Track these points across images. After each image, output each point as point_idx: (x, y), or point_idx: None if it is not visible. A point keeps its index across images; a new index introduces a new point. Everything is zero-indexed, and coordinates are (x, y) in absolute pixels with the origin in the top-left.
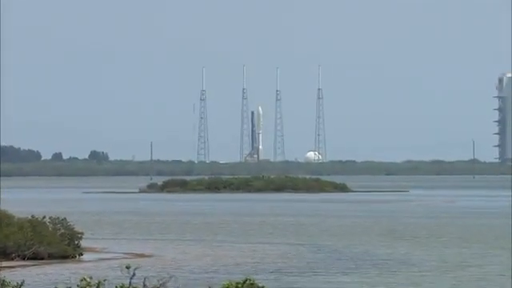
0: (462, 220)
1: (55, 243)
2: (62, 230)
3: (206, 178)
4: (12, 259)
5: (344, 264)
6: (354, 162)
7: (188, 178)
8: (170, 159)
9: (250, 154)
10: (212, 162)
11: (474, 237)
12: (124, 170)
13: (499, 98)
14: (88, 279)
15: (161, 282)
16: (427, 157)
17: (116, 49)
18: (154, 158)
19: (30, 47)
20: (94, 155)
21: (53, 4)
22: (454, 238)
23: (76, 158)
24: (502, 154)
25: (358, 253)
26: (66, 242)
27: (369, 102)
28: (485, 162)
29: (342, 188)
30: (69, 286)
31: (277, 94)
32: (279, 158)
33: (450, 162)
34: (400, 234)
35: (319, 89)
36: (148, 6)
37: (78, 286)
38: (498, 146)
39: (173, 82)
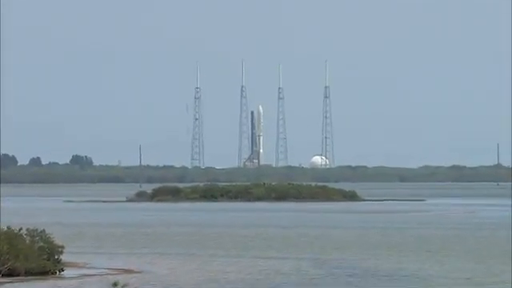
0: (482, 232)
1: (33, 258)
2: (41, 244)
3: (201, 185)
4: None
5: (349, 280)
6: (364, 167)
7: (181, 185)
8: (160, 164)
9: (250, 159)
10: (207, 167)
11: (493, 251)
12: (110, 176)
13: None
14: None
15: None
16: (446, 162)
17: (104, 46)
18: (143, 163)
19: (28, 47)
20: (77, 160)
21: (51, 4)
22: (472, 252)
23: (56, 163)
24: None
25: (365, 268)
26: (45, 257)
27: (381, 102)
28: (510, 168)
29: (352, 196)
30: None
31: (279, 92)
32: (282, 163)
33: (471, 168)
34: (413, 248)
35: (326, 86)
36: (144, 3)
37: None
38: None
39: (164, 79)
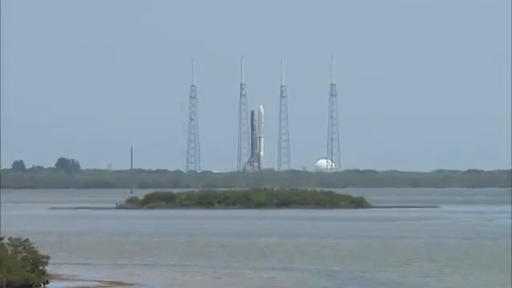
0: (499, 242)
1: (16, 269)
2: (24, 254)
3: (197, 190)
4: None
5: None
6: (373, 171)
7: (175, 190)
8: (153, 168)
9: (250, 162)
10: (204, 171)
11: (509, 262)
12: (98, 181)
13: None
14: None
15: None
16: (461, 166)
17: (93, 44)
18: (134, 167)
19: (21, 46)
20: (62, 163)
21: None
22: (487, 263)
23: (41, 167)
24: None
25: (372, 280)
26: (29, 268)
27: (392, 102)
28: None
29: (360, 203)
30: None
31: (281, 91)
32: (284, 167)
33: (488, 172)
34: (427, 258)
35: (332, 84)
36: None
37: None
38: None
39: (157, 77)
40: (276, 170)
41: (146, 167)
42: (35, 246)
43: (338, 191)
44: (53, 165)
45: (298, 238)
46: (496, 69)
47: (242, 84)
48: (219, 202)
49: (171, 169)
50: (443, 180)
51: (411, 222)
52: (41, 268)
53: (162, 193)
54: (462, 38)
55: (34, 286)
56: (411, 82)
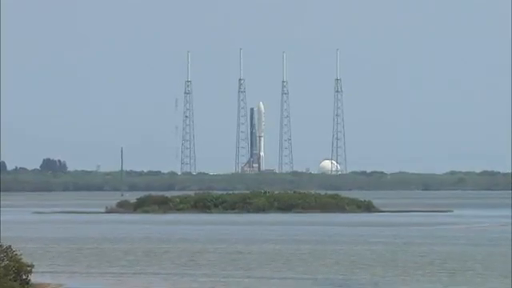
0: None
1: None
2: (7, 262)
3: (193, 194)
4: None
5: None
6: (381, 173)
7: (169, 194)
8: (145, 170)
9: (249, 164)
10: (200, 173)
11: None
12: (86, 183)
13: None
14: None
15: None
16: (476, 167)
17: (76, 35)
18: (125, 169)
19: None
20: (48, 165)
21: None
22: (501, 272)
23: (24, 169)
24: None
25: None
26: (12, 277)
27: (402, 99)
28: None
29: (367, 207)
30: None
31: (283, 86)
32: (286, 169)
33: (504, 174)
34: (434, 266)
35: (337, 79)
36: None
37: None
38: None
39: (149, 72)
40: (277, 171)
41: (137, 169)
42: (18, 253)
43: (344, 194)
44: (38, 166)
45: (300, 244)
46: None
47: (240, 79)
48: (216, 206)
49: (165, 170)
50: (456, 182)
51: (422, 228)
52: (24, 277)
53: (155, 196)
54: (481, 30)
55: None
56: (423, 77)
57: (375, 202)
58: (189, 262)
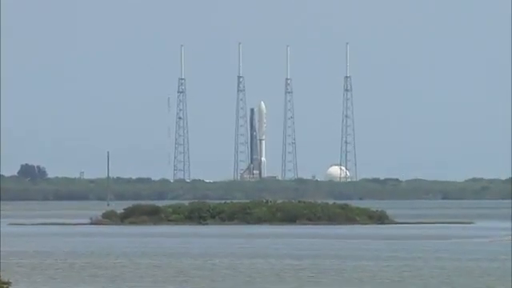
0: None
1: None
2: None
3: (186, 203)
4: None
5: None
6: (396, 180)
7: (160, 203)
8: (134, 177)
9: (249, 170)
10: (194, 180)
11: None
12: (69, 191)
13: None
14: None
15: None
16: (501, 174)
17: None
18: (111, 176)
19: None
20: (26, 171)
21: None
22: None
23: (0, 176)
24: None
25: None
26: None
27: (418, 97)
28: None
29: (380, 218)
30: None
31: (286, 84)
32: (290, 176)
33: None
34: (454, 284)
35: (347, 77)
36: None
37: None
38: None
39: (138, 68)
40: (280, 178)
41: (125, 175)
42: None
43: (354, 204)
44: (15, 172)
45: (307, 259)
46: None
47: (239, 76)
48: (212, 217)
49: (155, 177)
50: (479, 190)
51: (440, 241)
52: None
53: (145, 206)
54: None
55: None
56: (442, 74)
57: (389, 212)
58: (176, 278)
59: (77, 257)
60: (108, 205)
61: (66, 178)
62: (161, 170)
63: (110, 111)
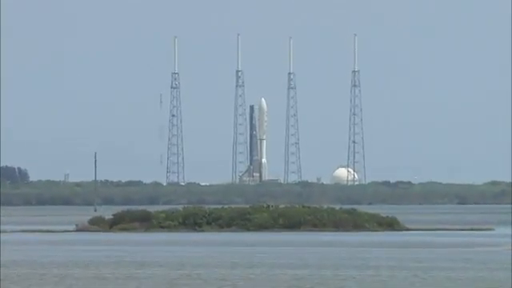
0: None
1: None
2: None
3: (181, 208)
4: None
5: None
6: (408, 183)
7: (152, 208)
8: (123, 180)
9: (248, 172)
10: (189, 183)
11: None
12: (52, 195)
13: None
14: None
15: None
16: None
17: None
18: (99, 179)
19: None
20: (7, 173)
21: None
22: None
23: None
24: None
25: None
26: None
27: (431, 94)
28: None
29: (390, 224)
30: None
31: (289, 80)
32: (293, 178)
33: None
34: None
35: (354, 71)
36: None
37: None
38: None
39: (128, 63)
40: (282, 181)
41: (114, 178)
42: None
43: (363, 209)
44: None
45: (310, 269)
46: None
47: (238, 71)
48: (209, 224)
49: (147, 180)
50: (498, 194)
51: (456, 249)
52: None
53: (135, 211)
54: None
55: None
56: (456, 70)
57: (400, 218)
58: None
59: (57, 266)
60: (95, 210)
61: (49, 180)
62: (153, 173)
63: (96, 108)
